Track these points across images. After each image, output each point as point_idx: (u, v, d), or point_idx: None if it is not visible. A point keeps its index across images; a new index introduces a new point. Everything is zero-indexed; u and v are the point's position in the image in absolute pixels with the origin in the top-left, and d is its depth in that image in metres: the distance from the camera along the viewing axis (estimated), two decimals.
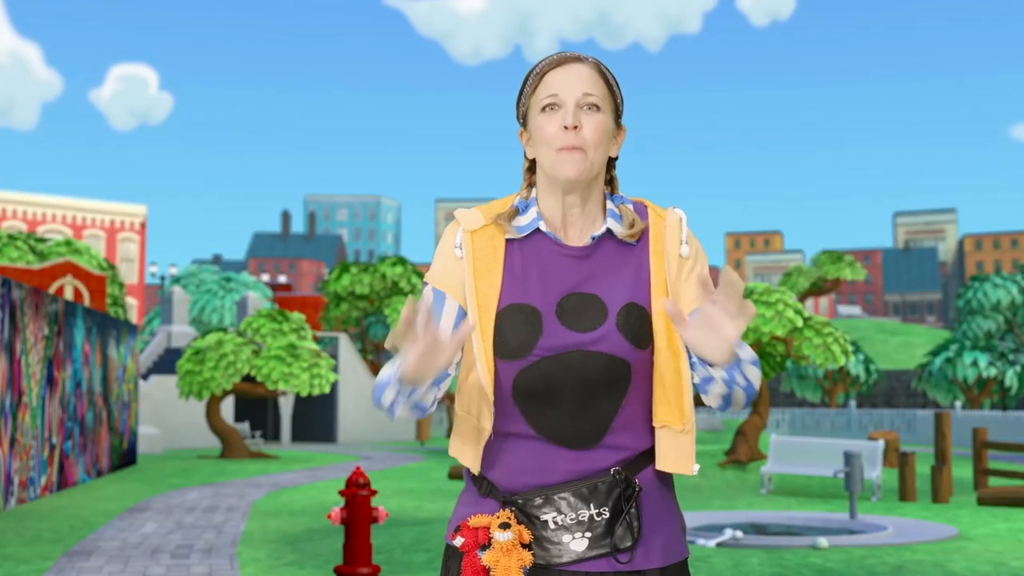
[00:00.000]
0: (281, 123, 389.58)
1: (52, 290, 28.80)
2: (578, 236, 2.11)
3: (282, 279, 63.19)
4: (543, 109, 2.08)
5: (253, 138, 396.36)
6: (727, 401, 2.05)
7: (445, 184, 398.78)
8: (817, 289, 51.69)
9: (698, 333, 1.89)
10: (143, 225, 79.56)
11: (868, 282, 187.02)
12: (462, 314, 2.12)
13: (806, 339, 21.27)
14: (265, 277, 72.80)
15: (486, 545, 2.04)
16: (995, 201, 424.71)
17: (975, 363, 44.44)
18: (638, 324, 2.05)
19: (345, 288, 43.27)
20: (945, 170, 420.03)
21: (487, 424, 2.08)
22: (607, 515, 2.04)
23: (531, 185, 2.18)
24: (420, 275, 43.70)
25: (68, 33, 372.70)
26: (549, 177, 2.09)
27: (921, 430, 39.51)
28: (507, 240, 2.12)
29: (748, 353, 2.02)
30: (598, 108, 2.07)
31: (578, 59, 2.10)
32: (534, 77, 2.11)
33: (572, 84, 2.06)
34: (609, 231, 2.11)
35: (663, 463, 2.07)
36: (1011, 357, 44.87)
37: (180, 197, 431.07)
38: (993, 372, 44.23)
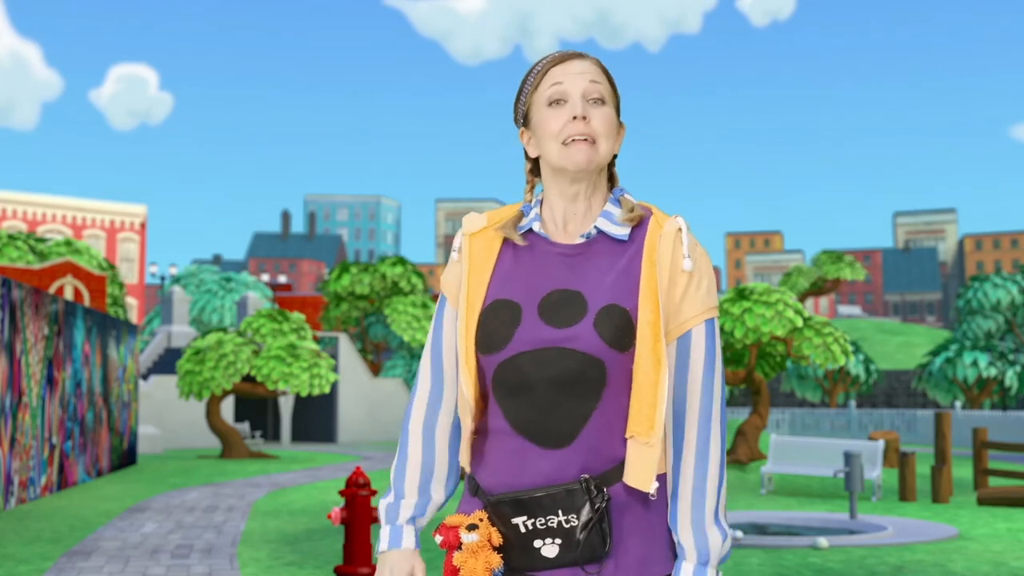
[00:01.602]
0: (281, 123, 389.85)
1: (52, 290, 28.82)
2: (577, 232, 2.11)
3: (282, 279, 63.18)
4: (549, 104, 2.08)
5: (253, 138, 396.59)
6: None
7: (445, 184, 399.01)
8: (817, 289, 51.70)
9: None
10: (143, 225, 79.57)
11: (868, 282, 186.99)
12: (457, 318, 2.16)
13: (806, 339, 21.28)
14: (265, 277, 72.79)
15: (460, 545, 2.03)
16: (995, 201, 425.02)
17: (975, 363, 44.43)
18: (618, 325, 2.00)
19: (345, 288, 43.28)
20: (945, 170, 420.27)
21: (468, 421, 2.10)
22: (576, 523, 1.99)
23: (534, 187, 2.18)
24: (420, 275, 43.70)
25: (68, 33, 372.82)
26: (556, 170, 2.08)
27: (921, 430, 39.51)
28: (504, 241, 2.14)
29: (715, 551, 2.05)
30: (603, 102, 2.07)
31: (579, 55, 2.11)
32: (536, 74, 2.11)
33: (577, 77, 2.07)
34: (602, 232, 2.09)
35: (627, 476, 1.99)
36: (1011, 357, 44.86)
37: (180, 197, 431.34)
38: (993, 372, 44.22)
